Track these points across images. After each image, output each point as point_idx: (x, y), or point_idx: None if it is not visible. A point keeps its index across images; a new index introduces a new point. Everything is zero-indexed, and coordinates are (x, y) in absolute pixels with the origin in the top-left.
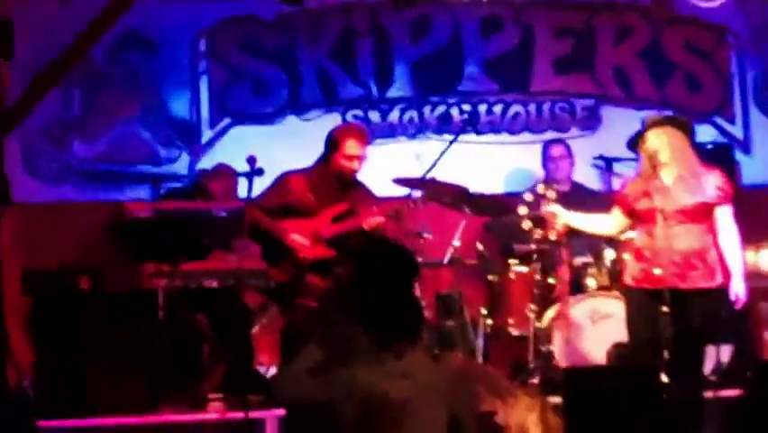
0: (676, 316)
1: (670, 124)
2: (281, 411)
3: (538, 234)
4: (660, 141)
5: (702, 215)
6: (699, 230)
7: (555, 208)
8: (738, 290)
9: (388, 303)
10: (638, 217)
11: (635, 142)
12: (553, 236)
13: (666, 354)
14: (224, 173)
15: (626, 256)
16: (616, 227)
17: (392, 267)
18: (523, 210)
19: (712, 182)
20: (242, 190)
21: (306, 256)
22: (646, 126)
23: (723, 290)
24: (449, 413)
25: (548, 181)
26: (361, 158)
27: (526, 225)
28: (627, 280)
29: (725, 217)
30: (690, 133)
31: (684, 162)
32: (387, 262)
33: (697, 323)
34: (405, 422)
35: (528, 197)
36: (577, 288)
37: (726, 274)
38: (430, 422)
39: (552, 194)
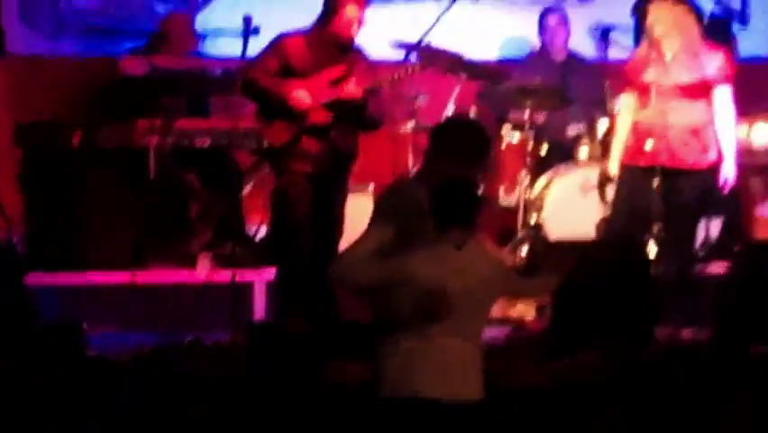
0: (667, 191)
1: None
2: (270, 274)
3: None
4: (661, 13)
5: (700, 92)
6: (695, 106)
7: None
8: (728, 173)
9: (454, 190)
10: (638, 90)
11: (637, 10)
12: None
13: (656, 229)
14: (177, 24)
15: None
16: (631, 110)
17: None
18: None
19: (715, 60)
20: (236, 50)
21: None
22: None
23: (714, 169)
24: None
25: (543, 50)
26: (359, 21)
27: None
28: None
29: (723, 98)
30: (692, 8)
31: (686, 37)
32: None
33: (688, 199)
34: (457, 315)
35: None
36: (569, 158)
37: (720, 154)
38: (481, 317)
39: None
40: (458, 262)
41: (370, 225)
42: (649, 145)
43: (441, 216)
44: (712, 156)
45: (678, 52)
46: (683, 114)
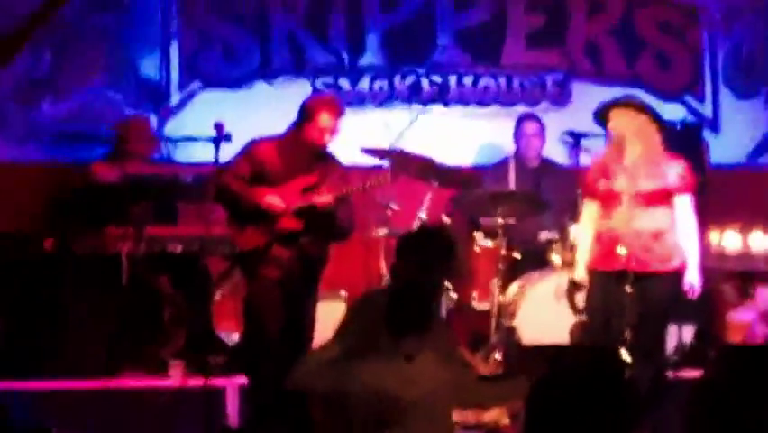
0: (635, 297)
1: (634, 106)
2: (242, 380)
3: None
4: (623, 121)
5: (661, 200)
6: (657, 213)
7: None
8: (692, 279)
9: (404, 297)
10: (599, 198)
11: (600, 117)
12: None
13: (628, 336)
14: (138, 128)
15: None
16: (593, 218)
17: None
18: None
19: (675, 169)
20: (208, 156)
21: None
22: (610, 105)
23: (679, 275)
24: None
25: (518, 156)
26: (333, 130)
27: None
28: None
29: (684, 207)
30: (655, 118)
31: (647, 146)
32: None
33: (655, 305)
34: (409, 425)
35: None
36: (542, 263)
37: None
38: (436, 426)
39: None
40: (408, 373)
41: (335, 333)
42: (616, 251)
43: (393, 324)
44: (675, 262)
45: (639, 160)
46: (646, 220)
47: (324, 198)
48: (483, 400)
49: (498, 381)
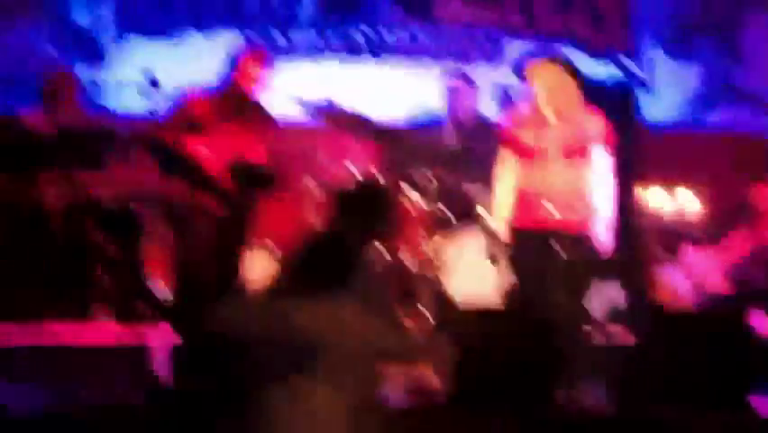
0: (558, 255)
1: (553, 63)
2: (169, 330)
3: None
4: (543, 79)
5: (583, 155)
6: (580, 171)
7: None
8: (602, 235)
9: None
10: (521, 152)
11: (519, 71)
12: None
13: (552, 294)
14: (61, 80)
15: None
16: (513, 172)
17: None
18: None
19: (593, 123)
20: (138, 105)
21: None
22: (530, 64)
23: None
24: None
25: (449, 112)
26: (261, 80)
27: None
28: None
29: (600, 158)
30: (575, 73)
31: (566, 101)
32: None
33: (582, 264)
34: (330, 369)
35: None
36: (470, 219)
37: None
38: (358, 371)
39: None
40: (334, 318)
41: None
42: (537, 209)
43: (322, 272)
44: (593, 220)
45: (561, 116)
46: (569, 177)
47: (253, 146)
48: (407, 353)
49: (424, 336)
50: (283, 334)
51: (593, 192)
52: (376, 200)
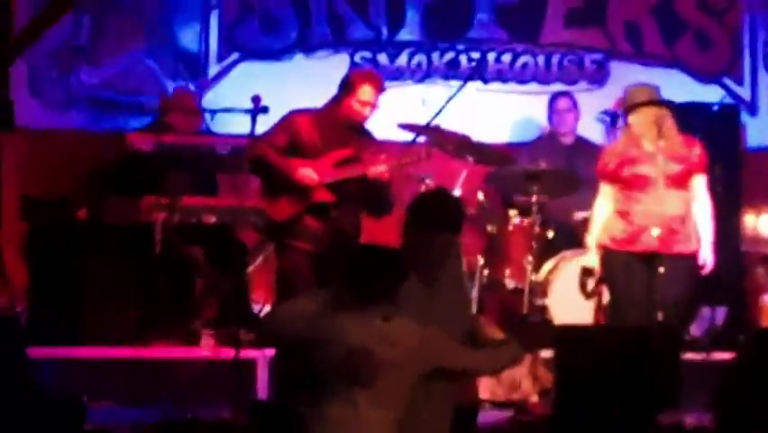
0: (665, 279)
1: (649, 93)
2: (272, 351)
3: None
4: (643, 117)
5: (685, 182)
6: (682, 196)
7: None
8: (707, 256)
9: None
10: (624, 182)
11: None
12: None
13: (660, 316)
14: (183, 102)
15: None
16: (612, 202)
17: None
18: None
19: (694, 151)
20: (245, 128)
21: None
22: (628, 105)
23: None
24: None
25: (552, 134)
26: (373, 105)
27: None
28: (607, 241)
29: (701, 186)
30: (668, 106)
31: (666, 132)
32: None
33: (684, 285)
34: (381, 384)
35: None
36: (576, 243)
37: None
38: (405, 389)
39: None
40: (384, 332)
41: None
42: (647, 233)
43: (373, 285)
44: (695, 243)
45: (661, 145)
46: (674, 203)
47: (359, 171)
48: (473, 365)
49: (493, 346)
50: (332, 344)
51: (698, 214)
52: (446, 209)
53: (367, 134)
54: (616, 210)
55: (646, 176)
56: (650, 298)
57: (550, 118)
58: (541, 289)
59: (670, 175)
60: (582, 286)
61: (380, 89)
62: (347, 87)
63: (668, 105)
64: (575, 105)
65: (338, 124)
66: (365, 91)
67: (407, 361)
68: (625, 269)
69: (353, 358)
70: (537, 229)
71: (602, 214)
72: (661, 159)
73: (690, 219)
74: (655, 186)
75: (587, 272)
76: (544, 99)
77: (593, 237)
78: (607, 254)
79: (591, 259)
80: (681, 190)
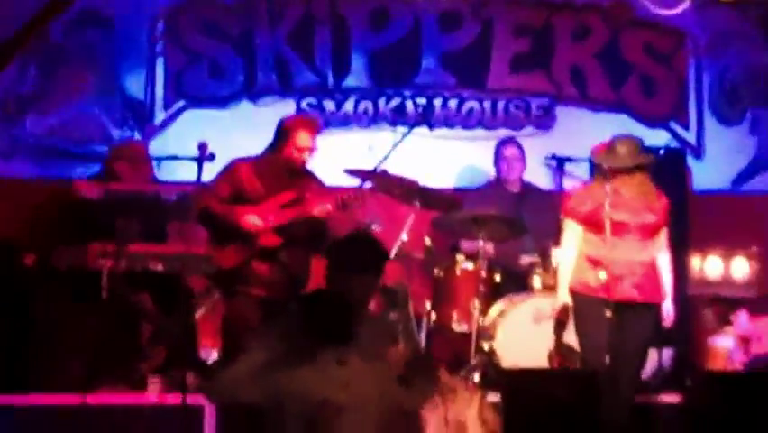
0: (621, 325)
1: (631, 144)
2: None
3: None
4: (621, 159)
5: (656, 233)
6: (652, 246)
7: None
8: (669, 308)
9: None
10: (597, 226)
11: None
12: None
13: (607, 360)
14: (131, 152)
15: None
16: (582, 243)
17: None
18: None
19: (663, 203)
20: (191, 175)
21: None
22: (613, 142)
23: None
24: (382, 417)
25: (499, 180)
26: (311, 149)
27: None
28: (576, 286)
29: (665, 238)
30: (648, 156)
31: (643, 182)
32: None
33: (641, 333)
34: (345, 428)
35: None
36: (522, 287)
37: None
38: (370, 426)
39: None
40: (342, 377)
41: (247, 344)
42: (618, 282)
43: (322, 330)
44: (660, 293)
45: (637, 194)
46: (638, 251)
47: (304, 213)
48: (405, 401)
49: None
50: (291, 398)
51: (662, 267)
52: (375, 252)
53: (309, 175)
54: (586, 254)
55: (626, 223)
56: (610, 342)
57: (497, 165)
58: (488, 332)
59: (645, 225)
60: (558, 335)
61: (316, 132)
62: (283, 134)
63: (645, 149)
64: (522, 152)
65: (279, 170)
66: (302, 138)
67: (365, 402)
68: (590, 315)
69: (314, 410)
70: (484, 273)
71: (571, 255)
72: (639, 207)
73: (655, 269)
74: (631, 233)
75: (561, 322)
76: (491, 145)
77: (565, 278)
78: (577, 299)
79: (563, 297)
80: (651, 240)
